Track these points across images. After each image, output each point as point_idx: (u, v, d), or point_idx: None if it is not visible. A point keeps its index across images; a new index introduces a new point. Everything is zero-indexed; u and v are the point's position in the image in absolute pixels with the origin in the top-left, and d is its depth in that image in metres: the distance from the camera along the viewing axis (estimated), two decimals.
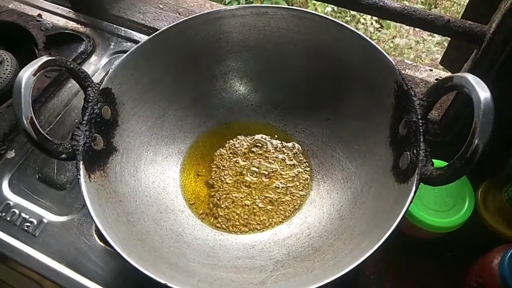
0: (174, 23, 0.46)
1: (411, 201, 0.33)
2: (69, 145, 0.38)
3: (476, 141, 0.29)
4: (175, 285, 0.32)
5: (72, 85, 0.61)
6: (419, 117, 0.36)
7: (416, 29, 1.56)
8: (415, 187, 0.34)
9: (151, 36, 0.46)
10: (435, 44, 1.52)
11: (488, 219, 0.45)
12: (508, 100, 0.38)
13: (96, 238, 0.48)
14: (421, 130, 0.36)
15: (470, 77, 0.32)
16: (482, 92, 0.30)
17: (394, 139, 0.40)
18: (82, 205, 0.50)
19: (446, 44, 0.54)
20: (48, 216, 0.50)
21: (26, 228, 0.49)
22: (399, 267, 0.47)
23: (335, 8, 1.60)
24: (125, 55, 0.44)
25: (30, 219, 0.50)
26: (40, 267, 0.46)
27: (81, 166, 0.38)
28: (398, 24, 1.61)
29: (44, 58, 0.38)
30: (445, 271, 0.46)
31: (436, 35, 1.52)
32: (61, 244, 0.48)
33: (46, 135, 0.37)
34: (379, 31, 1.61)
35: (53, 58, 0.39)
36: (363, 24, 1.60)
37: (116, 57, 0.63)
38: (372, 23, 1.61)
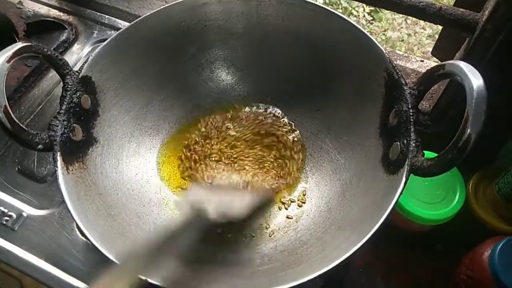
0: (157, 9, 0.45)
1: (401, 193, 0.32)
2: (46, 135, 0.37)
3: (469, 130, 0.28)
4: (156, 281, 0.31)
5: (54, 74, 0.59)
6: (410, 106, 0.35)
7: (408, 21, 1.55)
8: (405, 178, 0.33)
9: (133, 22, 0.44)
10: (426, 37, 1.51)
11: (478, 211, 0.44)
12: (501, 89, 0.37)
13: (78, 233, 0.46)
14: (412, 119, 0.35)
15: (463, 65, 0.31)
16: (475, 79, 0.29)
17: (384, 129, 0.39)
18: (63, 199, 0.48)
19: (438, 37, 0.53)
20: (28, 210, 0.48)
21: (4, 223, 0.47)
22: (388, 260, 0.46)
23: (327, 0, 1.59)
24: (105, 42, 0.43)
25: (9, 213, 0.48)
26: (20, 263, 0.45)
27: (59, 158, 0.36)
28: (390, 17, 1.61)
29: (19, 45, 0.36)
30: (436, 264, 0.45)
31: (427, 28, 1.51)
32: (41, 238, 0.46)
33: (21, 125, 0.35)
34: (371, 23, 1.59)
35: (29, 44, 0.37)
36: (355, 16, 1.59)
37: (99, 46, 0.62)
38: (364, 15, 1.60)
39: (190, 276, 0.37)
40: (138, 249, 0.33)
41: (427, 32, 1.51)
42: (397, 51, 0.61)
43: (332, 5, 1.61)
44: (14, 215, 0.48)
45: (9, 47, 0.36)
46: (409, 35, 1.54)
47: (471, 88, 0.29)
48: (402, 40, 1.53)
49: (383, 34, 1.56)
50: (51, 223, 0.47)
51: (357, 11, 1.60)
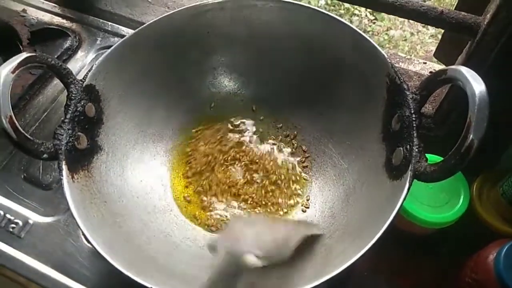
0: (160, 17, 0.45)
1: (404, 199, 0.32)
2: (51, 144, 0.37)
3: (471, 136, 0.29)
4: None
5: (58, 81, 0.59)
6: (412, 111, 0.35)
7: (411, 20, 1.55)
8: (409, 184, 0.33)
9: (136, 30, 0.44)
10: (429, 36, 1.51)
11: (483, 214, 0.44)
12: (503, 93, 0.37)
13: (83, 239, 0.46)
14: (414, 125, 0.35)
15: (465, 70, 0.31)
16: (477, 85, 0.29)
17: (387, 134, 0.39)
18: (69, 207, 0.49)
19: (440, 36, 0.53)
20: (34, 217, 0.48)
21: (11, 230, 0.48)
22: (393, 264, 0.46)
23: (329, 1, 1.59)
24: (109, 50, 0.43)
25: (15, 221, 0.48)
26: (26, 270, 0.45)
27: (64, 166, 0.36)
28: (392, 16, 1.60)
29: (24, 55, 0.37)
30: (440, 267, 0.45)
31: (430, 27, 1.51)
32: (47, 245, 0.46)
33: (26, 135, 0.36)
34: (374, 23, 1.59)
35: (33, 54, 0.37)
36: (357, 16, 1.59)
37: (103, 53, 0.62)
38: (366, 15, 1.60)
39: (192, 281, 0.37)
40: None
41: (430, 32, 1.51)
42: (399, 54, 0.61)
43: (334, 6, 1.61)
44: (20, 223, 0.48)
45: (13, 58, 0.36)
46: (411, 34, 1.54)
47: (473, 94, 0.29)
48: (405, 39, 1.53)
49: (386, 33, 1.55)
50: (57, 230, 0.47)
51: (359, 11, 1.59)
